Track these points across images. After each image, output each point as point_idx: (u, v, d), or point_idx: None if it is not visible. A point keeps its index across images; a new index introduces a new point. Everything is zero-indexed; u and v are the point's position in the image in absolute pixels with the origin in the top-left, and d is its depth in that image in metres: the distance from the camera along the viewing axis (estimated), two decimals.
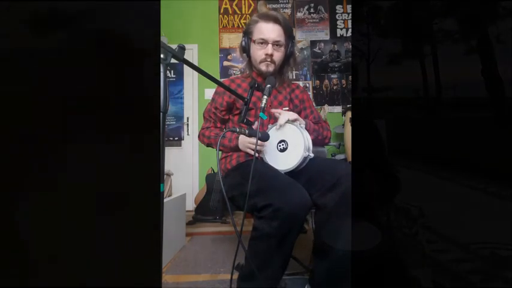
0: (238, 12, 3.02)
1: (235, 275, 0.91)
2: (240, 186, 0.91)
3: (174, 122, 2.93)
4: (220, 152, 1.19)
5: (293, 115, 1.01)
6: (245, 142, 1.03)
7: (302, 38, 3.02)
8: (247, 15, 3.00)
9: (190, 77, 2.96)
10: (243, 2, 3.02)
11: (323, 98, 2.97)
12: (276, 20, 1.08)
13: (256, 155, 1.02)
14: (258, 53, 1.09)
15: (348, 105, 2.37)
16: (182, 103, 2.95)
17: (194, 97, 2.95)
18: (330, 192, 0.88)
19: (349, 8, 3.03)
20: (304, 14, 3.04)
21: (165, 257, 1.47)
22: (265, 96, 0.86)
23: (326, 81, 2.99)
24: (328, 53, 3.01)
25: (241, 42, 1.14)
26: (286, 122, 0.99)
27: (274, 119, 1.06)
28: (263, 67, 1.10)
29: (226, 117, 1.16)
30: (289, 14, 3.02)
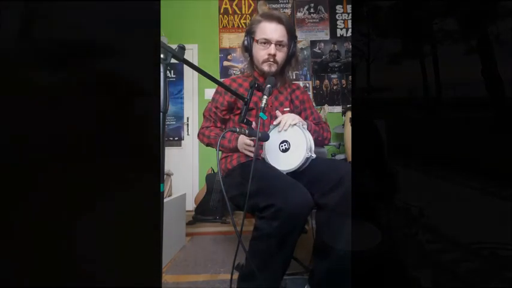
0: (238, 12, 3.02)
1: (235, 275, 0.91)
2: (240, 186, 0.91)
3: (174, 122, 2.93)
4: (220, 152, 1.19)
5: (294, 119, 1.00)
6: (243, 144, 1.03)
7: (302, 38, 3.02)
8: (247, 15, 3.00)
9: (190, 77, 2.96)
10: (243, 2, 3.02)
11: (323, 98, 2.97)
12: (279, 20, 1.08)
13: (251, 154, 1.02)
14: (261, 53, 1.09)
15: (348, 105, 2.37)
16: (182, 103, 2.95)
17: (194, 97, 2.95)
18: (331, 192, 0.88)
19: (349, 8, 3.03)
20: (304, 14, 3.04)
21: (165, 257, 1.47)
22: (265, 96, 0.86)
23: (326, 81, 2.99)
24: (328, 53, 3.01)
25: (244, 41, 1.13)
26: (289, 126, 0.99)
27: (275, 119, 1.06)
28: (265, 67, 1.10)
29: (227, 117, 1.16)
30: (289, 14, 3.02)
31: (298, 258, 1.23)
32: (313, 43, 3.02)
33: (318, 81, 2.99)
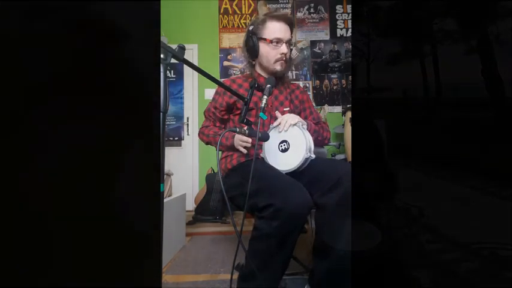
0: (238, 12, 3.02)
1: (235, 275, 0.91)
2: (240, 186, 0.91)
3: (174, 122, 2.93)
4: (220, 152, 1.19)
5: (294, 119, 1.00)
6: (238, 140, 1.03)
7: (302, 38, 3.02)
8: (247, 15, 3.01)
9: (190, 77, 2.96)
10: (243, 2, 3.02)
11: (323, 98, 2.97)
12: (286, 20, 1.10)
13: (245, 151, 1.02)
14: (273, 52, 1.09)
15: (348, 105, 2.38)
16: (182, 103, 2.95)
17: (194, 97, 2.95)
18: (330, 192, 0.88)
19: (349, 8, 3.04)
20: (304, 14, 3.04)
21: (165, 257, 1.47)
22: (265, 96, 0.86)
23: (326, 81, 2.99)
24: (328, 53, 3.01)
25: (249, 42, 1.11)
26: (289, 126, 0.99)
27: (275, 119, 1.06)
28: (278, 67, 1.10)
29: (226, 117, 1.17)
30: (289, 14, 3.03)
31: (298, 258, 1.23)
32: (313, 43, 3.02)
33: (318, 81, 2.99)
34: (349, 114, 2.22)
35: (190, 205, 2.54)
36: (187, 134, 2.93)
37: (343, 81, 2.99)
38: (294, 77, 2.97)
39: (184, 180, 2.83)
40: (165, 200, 1.46)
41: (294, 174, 0.96)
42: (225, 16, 3.01)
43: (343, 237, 0.86)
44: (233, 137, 1.06)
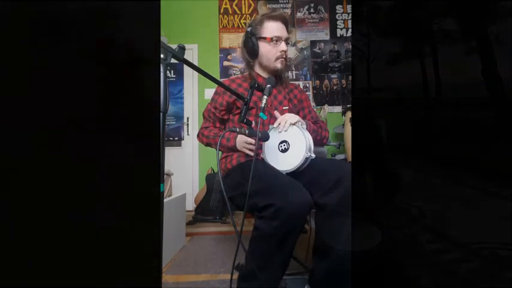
0: (238, 12, 3.02)
1: (235, 275, 0.91)
2: (240, 186, 0.91)
3: (174, 122, 2.93)
4: (220, 152, 1.19)
5: (294, 118, 1.01)
6: (242, 142, 1.03)
7: (302, 38, 3.02)
8: (247, 15, 3.01)
9: (190, 77, 2.96)
10: (243, 2, 3.02)
11: (323, 98, 2.97)
12: (283, 19, 1.13)
13: (251, 153, 1.03)
14: (273, 50, 1.11)
15: (348, 105, 2.38)
16: (182, 103, 2.95)
17: (194, 97, 2.95)
18: (330, 192, 0.88)
19: (349, 8, 3.03)
20: (304, 14, 3.04)
21: (165, 257, 1.47)
22: (265, 96, 0.86)
23: (326, 81, 2.99)
24: (328, 53, 3.01)
25: (248, 42, 1.12)
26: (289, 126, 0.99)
27: (274, 119, 1.07)
28: (279, 64, 1.12)
29: (226, 117, 1.17)
30: (289, 14, 3.02)
31: (298, 258, 1.23)
32: (313, 43, 3.02)
33: (318, 81, 2.99)
34: (349, 114, 2.22)
35: (190, 205, 2.54)
36: (187, 134, 2.93)
37: (343, 81, 2.99)
38: (294, 77, 2.97)
39: (184, 180, 2.83)
40: (165, 200, 1.46)
41: (294, 174, 0.96)
42: (225, 16, 3.01)
43: (343, 237, 0.86)
44: (235, 138, 1.06)
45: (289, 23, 1.16)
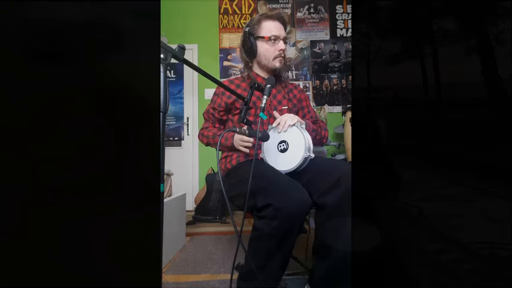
0: (238, 12, 3.02)
1: (235, 275, 0.91)
2: (240, 186, 0.91)
3: (174, 122, 2.93)
4: (220, 152, 1.19)
5: (293, 119, 1.01)
6: (238, 140, 1.04)
7: (302, 38, 3.02)
8: (247, 15, 3.01)
9: (190, 77, 2.96)
10: (243, 2, 3.02)
11: (323, 98, 2.97)
12: (280, 18, 1.14)
13: (246, 150, 1.03)
14: (271, 49, 1.12)
15: (348, 105, 2.38)
16: (182, 103, 2.95)
17: (194, 97, 2.95)
18: (330, 192, 0.88)
19: (349, 8, 3.04)
20: (304, 14, 3.04)
21: (165, 257, 1.47)
22: (265, 96, 0.86)
23: (326, 81, 2.99)
24: (328, 53, 3.01)
25: (247, 43, 1.12)
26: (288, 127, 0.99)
27: (274, 119, 1.07)
28: (277, 63, 1.13)
29: (225, 117, 1.17)
30: (289, 14, 3.02)
31: (298, 258, 1.23)
32: (313, 43, 3.02)
33: (318, 81, 2.99)
34: (349, 114, 2.22)
35: (190, 205, 2.54)
36: (187, 134, 2.93)
37: (343, 81, 2.99)
38: (294, 77, 2.97)
39: (184, 180, 2.83)
40: (165, 200, 1.46)
41: (294, 174, 0.96)
42: (225, 16, 3.01)
43: (343, 237, 0.86)
44: (233, 137, 1.07)
45: (287, 22, 1.17)
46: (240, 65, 2.90)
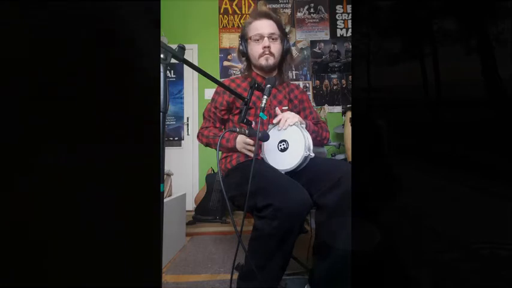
0: (238, 12, 3.02)
1: (235, 275, 0.91)
2: (240, 186, 0.91)
3: (174, 122, 2.93)
4: (220, 152, 1.19)
5: (293, 118, 1.01)
6: (242, 143, 1.03)
7: (302, 38, 3.02)
8: (247, 15, 3.01)
9: (190, 77, 2.96)
10: (243, 2, 3.02)
11: (323, 98, 2.97)
12: (266, 15, 1.12)
13: (251, 154, 1.03)
14: (256, 48, 1.11)
15: (348, 105, 2.38)
16: (182, 103, 2.95)
17: (194, 97, 2.95)
18: (330, 192, 0.88)
19: (349, 8, 3.04)
20: (304, 14, 3.04)
21: (165, 257, 1.47)
22: (265, 96, 0.86)
23: (326, 81, 2.99)
24: (328, 53, 3.01)
25: (239, 46, 1.16)
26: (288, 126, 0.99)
27: (274, 117, 1.07)
28: (263, 61, 1.11)
29: (226, 117, 1.17)
30: (289, 14, 3.02)
31: (298, 258, 1.23)
32: (313, 43, 3.02)
33: (318, 81, 2.99)
34: (349, 114, 2.22)
35: (190, 205, 2.54)
36: (187, 134, 2.93)
37: (343, 81, 2.99)
38: (294, 77, 2.97)
39: (184, 180, 2.83)
40: (165, 200, 1.46)
41: (294, 173, 0.96)
42: (225, 16, 3.01)
43: (343, 237, 0.86)
44: (235, 139, 1.06)
45: (277, 19, 1.14)
46: (240, 65, 2.90)
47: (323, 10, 3.04)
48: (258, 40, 1.10)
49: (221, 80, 1.35)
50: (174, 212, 1.67)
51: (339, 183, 0.87)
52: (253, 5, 3.01)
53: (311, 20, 3.04)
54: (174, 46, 0.60)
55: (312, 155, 0.96)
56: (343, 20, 3.04)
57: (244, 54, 1.16)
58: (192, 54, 2.95)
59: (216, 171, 2.50)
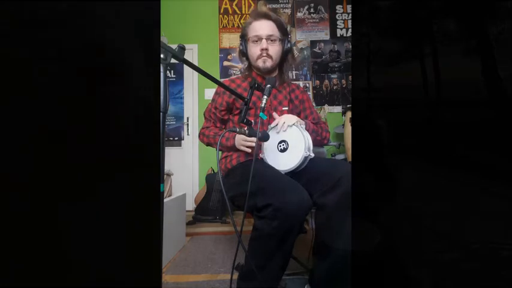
0: (238, 12, 3.02)
1: (235, 275, 0.91)
2: (240, 186, 0.91)
3: (174, 122, 2.93)
4: (220, 152, 1.19)
5: (292, 119, 1.01)
6: (240, 140, 1.04)
7: (302, 38, 3.02)
8: (247, 15, 3.01)
9: (190, 77, 2.96)
10: (243, 2, 3.02)
11: (323, 98, 2.97)
12: (266, 16, 1.10)
13: (248, 150, 1.03)
14: (254, 49, 1.11)
15: (348, 105, 2.38)
16: (182, 103, 2.95)
17: (194, 97, 2.95)
18: (330, 192, 0.88)
19: (349, 8, 3.04)
20: (304, 14, 3.04)
21: (165, 257, 1.47)
22: (265, 96, 0.86)
23: (326, 81, 2.99)
24: (328, 53, 3.01)
25: (239, 46, 1.16)
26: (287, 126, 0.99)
27: (274, 119, 1.07)
28: (260, 63, 1.10)
29: (226, 117, 1.17)
30: (289, 14, 3.02)
31: (298, 258, 1.23)
32: (313, 43, 3.02)
33: (318, 81, 2.99)
34: (349, 114, 2.22)
35: (190, 205, 2.54)
36: (187, 134, 2.93)
37: (343, 81, 2.99)
38: (294, 77, 2.97)
39: (184, 180, 2.83)
40: (165, 200, 1.46)
41: (294, 173, 0.96)
42: (225, 16, 3.01)
43: (343, 237, 0.86)
44: (234, 137, 1.06)
45: (278, 19, 1.12)
46: (240, 65, 2.90)
47: (323, 10, 3.04)
48: (256, 41, 1.10)
49: (221, 80, 1.35)
50: (174, 212, 1.67)
51: (339, 183, 0.87)
52: (253, 5, 3.01)
53: (311, 20, 3.04)
54: (174, 46, 0.60)
55: (312, 155, 0.96)
56: (343, 20, 3.04)
57: (244, 54, 1.16)
58: (192, 54, 2.95)
59: (216, 171, 2.50)
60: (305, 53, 3.01)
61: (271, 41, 1.10)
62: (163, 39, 2.67)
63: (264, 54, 1.09)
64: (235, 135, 1.06)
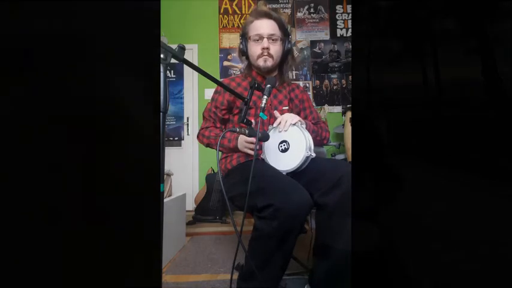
0: (238, 12, 3.02)
1: (235, 275, 0.91)
2: (240, 186, 0.91)
3: (174, 122, 2.93)
4: (220, 152, 1.19)
5: (294, 118, 1.00)
6: (244, 143, 1.03)
7: (302, 38, 3.02)
8: (247, 15, 3.01)
9: (190, 77, 2.96)
10: (243, 2, 3.02)
11: (323, 98, 2.97)
12: (267, 15, 1.10)
13: (252, 153, 1.03)
14: (254, 48, 1.10)
15: (348, 105, 2.38)
16: (182, 103, 2.95)
17: (194, 97, 2.95)
18: (330, 192, 0.88)
19: (349, 8, 3.04)
20: (304, 14, 3.04)
21: (165, 257, 1.47)
22: (265, 96, 0.85)
23: (326, 81, 2.99)
24: (328, 53, 3.01)
25: (239, 45, 1.15)
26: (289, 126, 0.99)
27: (274, 119, 1.06)
28: (261, 62, 1.10)
29: (226, 116, 1.16)
30: (289, 14, 3.02)
31: (298, 258, 1.23)
32: (313, 43, 3.02)
33: (318, 81, 2.99)
34: (349, 114, 2.22)
35: (190, 205, 2.54)
36: (187, 134, 2.93)
37: (343, 81, 2.99)
38: (294, 77, 2.97)
39: (184, 180, 2.83)
40: (165, 200, 1.46)
41: (294, 174, 0.96)
42: (225, 16, 3.01)
43: (343, 237, 0.86)
44: (236, 138, 1.06)
45: (279, 18, 1.12)
46: (240, 65, 2.90)
47: (323, 10, 3.04)
48: (257, 40, 1.09)
49: (221, 79, 1.35)
50: (174, 212, 1.67)
51: (339, 183, 0.87)
52: (253, 5, 3.01)
53: (311, 20, 3.04)
54: (174, 46, 0.60)
55: (313, 155, 0.96)
56: (343, 20, 3.04)
57: (244, 53, 1.15)
58: (192, 54, 2.95)
59: (216, 171, 2.50)
60: (305, 53, 3.01)
61: (273, 40, 1.09)
62: (163, 39, 2.67)
63: (265, 53, 1.09)
64: (237, 136, 1.06)
